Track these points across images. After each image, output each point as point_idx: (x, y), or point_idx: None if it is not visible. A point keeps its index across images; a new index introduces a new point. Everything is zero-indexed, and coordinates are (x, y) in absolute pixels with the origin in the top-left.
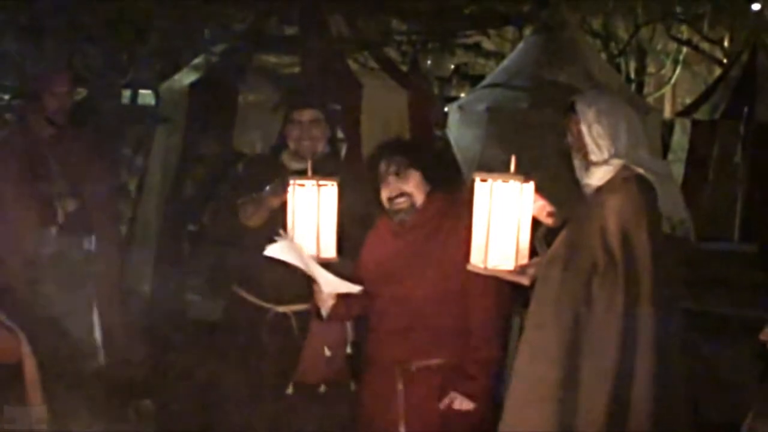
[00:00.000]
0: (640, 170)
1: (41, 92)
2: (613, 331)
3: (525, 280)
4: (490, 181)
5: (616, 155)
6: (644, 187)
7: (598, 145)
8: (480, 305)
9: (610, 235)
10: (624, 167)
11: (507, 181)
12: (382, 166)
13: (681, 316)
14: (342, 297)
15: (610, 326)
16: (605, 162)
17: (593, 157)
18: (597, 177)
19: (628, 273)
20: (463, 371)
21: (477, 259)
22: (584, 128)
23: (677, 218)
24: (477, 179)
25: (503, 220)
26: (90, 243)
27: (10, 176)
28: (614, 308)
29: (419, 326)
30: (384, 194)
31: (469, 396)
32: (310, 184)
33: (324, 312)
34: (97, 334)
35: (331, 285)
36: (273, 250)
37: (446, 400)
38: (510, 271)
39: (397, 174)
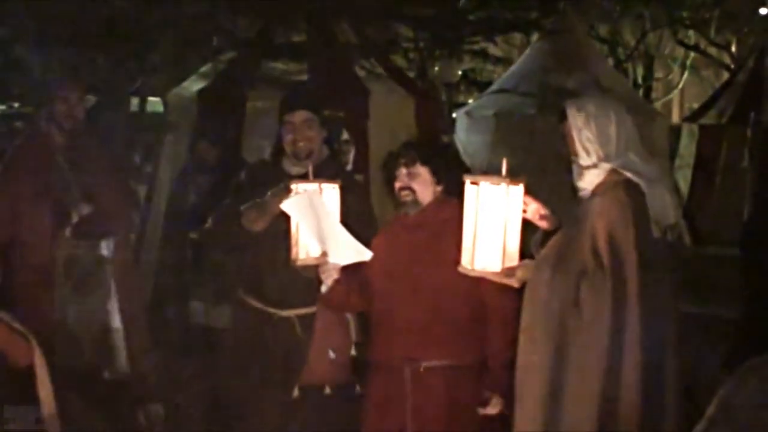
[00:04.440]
0: (629, 174)
1: (52, 98)
2: (601, 334)
3: (514, 282)
4: (480, 183)
5: (605, 159)
6: (632, 191)
7: (586, 150)
8: (498, 304)
9: (598, 238)
10: (613, 171)
11: (497, 184)
12: (398, 160)
13: (676, 318)
14: (344, 276)
15: (598, 329)
16: (594, 166)
17: (582, 162)
18: (587, 181)
19: (615, 276)
20: (494, 374)
21: (466, 261)
22: (574, 133)
23: (668, 222)
24: (467, 182)
25: (490, 222)
26: (107, 248)
27: (25, 181)
28: (602, 311)
29: (428, 325)
30: (395, 186)
31: (503, 397)
32: (312, 187)
33: (324, 287)
34: (117, 339)
35: (340, 251)
36: (287, 205)
37: (487, 405)
38: (497, 273)
39: (406, 166)
